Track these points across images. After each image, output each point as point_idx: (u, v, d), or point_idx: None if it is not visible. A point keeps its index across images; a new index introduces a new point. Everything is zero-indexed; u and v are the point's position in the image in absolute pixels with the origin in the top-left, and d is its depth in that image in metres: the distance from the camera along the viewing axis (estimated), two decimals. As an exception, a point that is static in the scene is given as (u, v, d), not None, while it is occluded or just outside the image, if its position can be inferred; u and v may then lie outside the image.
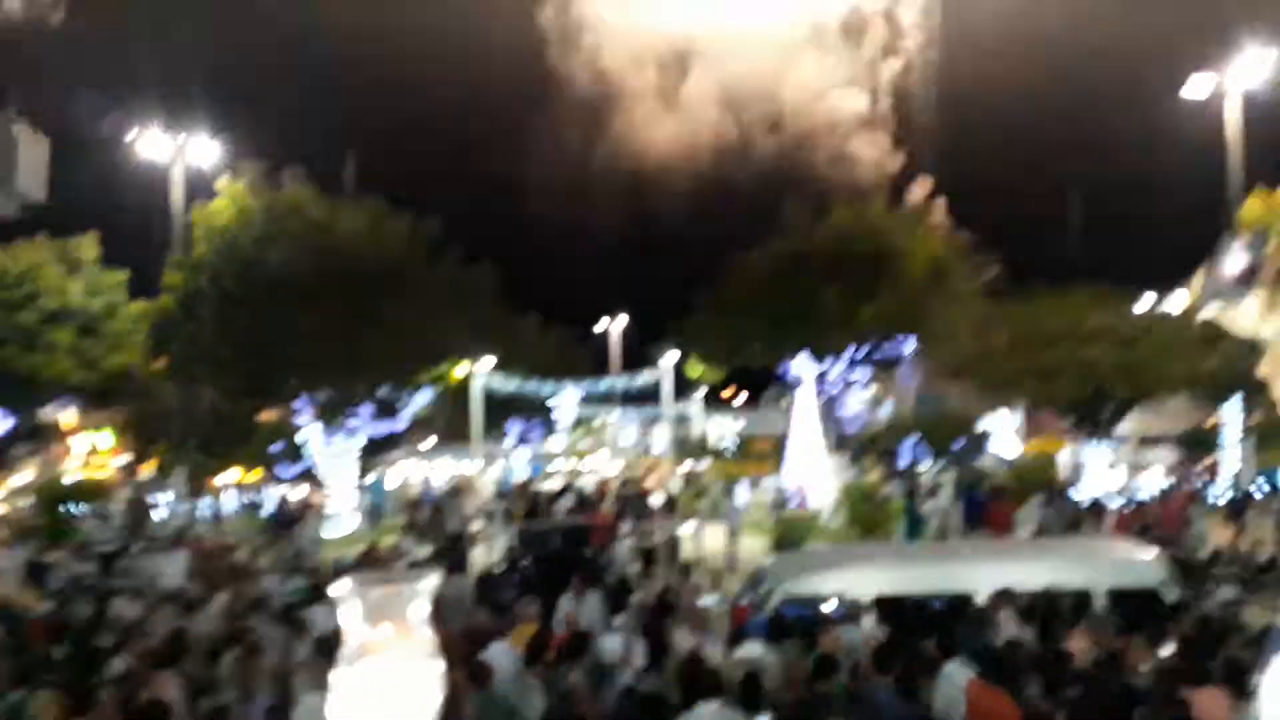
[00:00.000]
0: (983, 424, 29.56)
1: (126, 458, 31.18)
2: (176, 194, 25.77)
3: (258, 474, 34.00)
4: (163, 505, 25.72)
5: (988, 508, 17.16)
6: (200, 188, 26.21)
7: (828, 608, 8.57)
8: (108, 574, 11.21)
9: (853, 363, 25.75)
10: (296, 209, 25.28)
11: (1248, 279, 17.80)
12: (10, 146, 12.08)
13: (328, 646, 7.31)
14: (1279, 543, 15.87)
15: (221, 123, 27.81)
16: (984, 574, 8.97)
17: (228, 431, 30.75)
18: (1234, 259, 18.23)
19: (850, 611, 8.22)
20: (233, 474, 33.49)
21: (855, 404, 26.14)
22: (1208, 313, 20.06)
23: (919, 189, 29.79)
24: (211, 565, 12.83)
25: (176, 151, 25.83)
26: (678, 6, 49.65)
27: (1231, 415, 25.35)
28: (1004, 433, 30.89)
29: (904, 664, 6.66)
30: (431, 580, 0.97)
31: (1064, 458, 28.13)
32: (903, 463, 27.07)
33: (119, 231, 31.18)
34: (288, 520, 20.12)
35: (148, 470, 30.48)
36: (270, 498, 27.79)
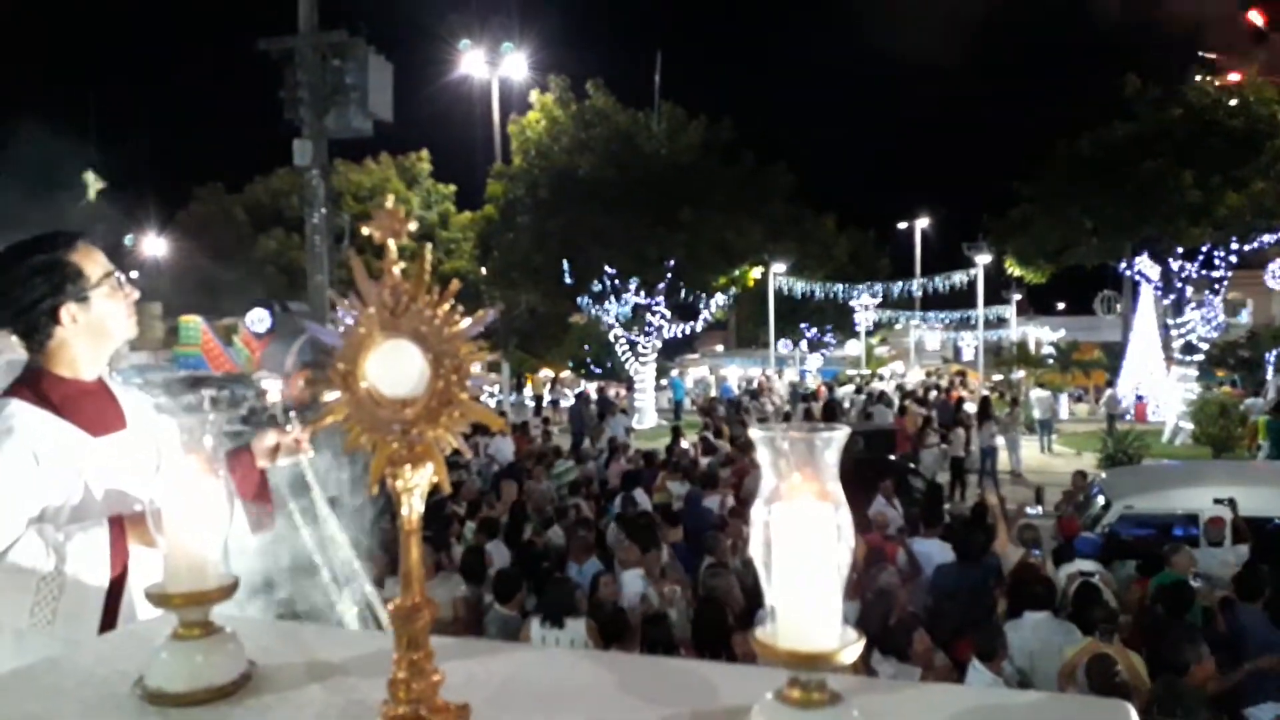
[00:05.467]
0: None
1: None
2: (495, 108, 27.60)
3: (569, 371, 36.73)
4: (492, 396, 28.54)
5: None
6: (515, 102, 27.91)
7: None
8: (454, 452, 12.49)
9: (1208, 260, 22.24)
10: (603, 117, 26.16)
11: None
12: (364, 70, 13.31)
13: (635, 525, 7.75)
14: None
15: (532, 37, 29.28)
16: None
17: (544, 331, 33.32)
18: None
19: (1208, 533, 7.32)
20: (548, 371, 36.46)
21: (1209, 308, 22.64)
22: None
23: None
24: (536, 449, 14.05)
25: (494, 68, 27.56)
26: None
27: None
28: None
29: (1277, 591, 5.83)
30: (843, 432, 0.86)
31: None
32: (1268, 375, 23.49)
33: (446, 146, 34.22)
34: (599, 413, 21.48)
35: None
36: (582, 393, 29.87)
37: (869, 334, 40.92)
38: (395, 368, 0.93)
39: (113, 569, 1.92)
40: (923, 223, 47.21)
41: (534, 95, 26.76)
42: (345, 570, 2.29)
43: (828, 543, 0.91)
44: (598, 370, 34.36)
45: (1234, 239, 21.90)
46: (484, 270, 29.45)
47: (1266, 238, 21.85)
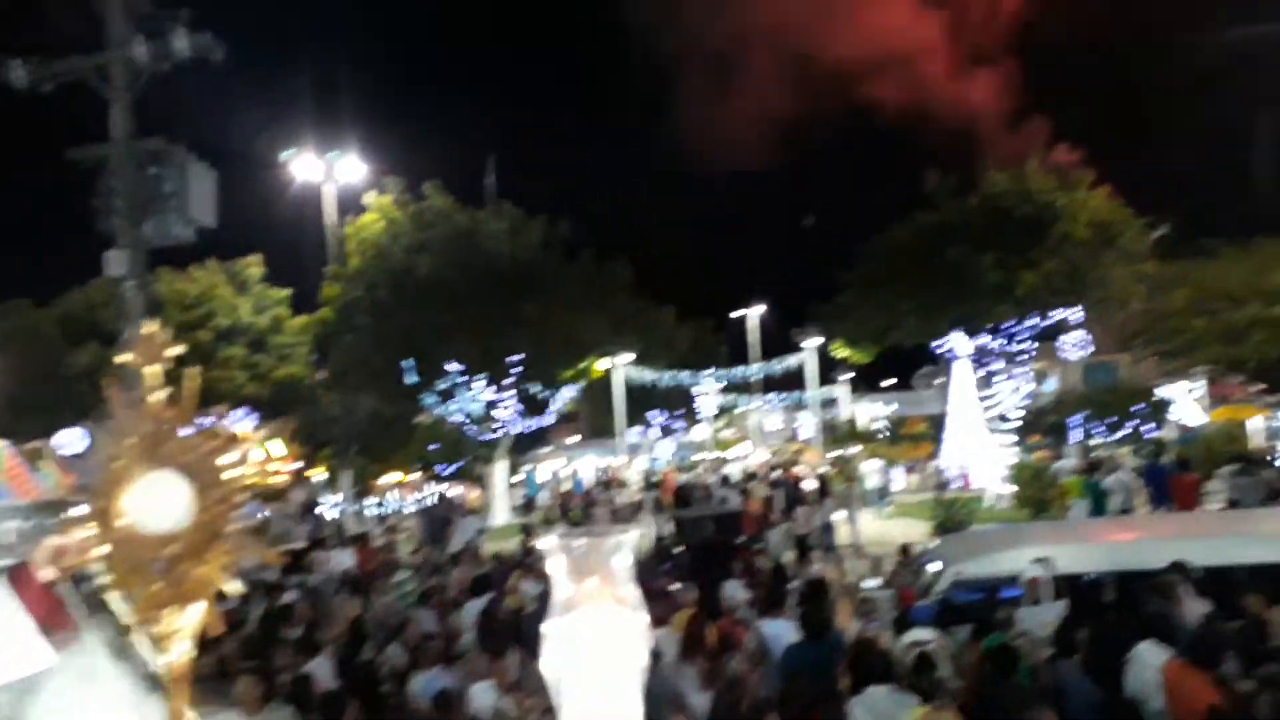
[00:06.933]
0: (1161, 392, 27.67)
1: (297, 464, 33.12)
2: (330, 211, 27.12)
3: (416, 473, 35.58)
4: (332, 507, 27.20)
5: (1173, 481, 15.90)
6: (349, 204, 27.55)
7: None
8: (298, 570, 11.79)
9: (1012, 335, 24.35)
10: (443, 217, 26.18)
11: None
12: (183, 177, 12.82)
13: (484, 631, 7.49)
14: None
15: (365, 141, 29.17)
16: (1175, 550, 8.29)
17: (388, 434, 32.25)
18: None
19: (1028, 593, 7.76)
20: (394, 475, 35.16)
21: (1017, 379, 24.71)
22: None
23: (1066, 150, 27.89)
24: (379, 561, 13.44)
25: (327, 171, 27.18)
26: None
27: None
28: (1186, 401, 28.75)
29: (1091, 645, 6.23)
30: (634, 535, 0.88)
31: (1255, 425, 25.91)
32: (1072, 438, 25.61)
33: (279, 250, 33.16)
34: (444, 518, 20.82)
35: (316, 474, 32.29)
36: (429, 496, 28.98)
37: (715, 418, 41.94)
38: (156, 501, 0.89)
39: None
40: (757, 311, 49.22)
41: (369, 197, 26.53)
42: None
43: (626, 646, 0.91)
44: (447, 470, 33.49)
45: (1035, 315, 24.06)
46: (319, 375, 28.44)
47: (1060, 313, 24.15)
